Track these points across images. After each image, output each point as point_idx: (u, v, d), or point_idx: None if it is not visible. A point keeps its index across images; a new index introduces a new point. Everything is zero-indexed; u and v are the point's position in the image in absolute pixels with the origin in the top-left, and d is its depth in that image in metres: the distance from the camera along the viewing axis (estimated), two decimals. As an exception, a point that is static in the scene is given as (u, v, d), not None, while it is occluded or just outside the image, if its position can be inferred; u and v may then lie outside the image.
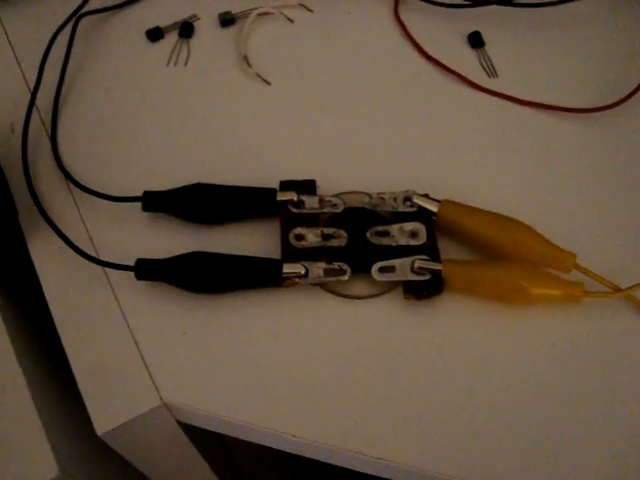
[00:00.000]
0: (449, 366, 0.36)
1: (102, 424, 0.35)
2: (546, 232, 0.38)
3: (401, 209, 0.39)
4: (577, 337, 0.37)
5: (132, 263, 0.37)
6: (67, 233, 0.39)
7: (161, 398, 0.35)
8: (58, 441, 0.35)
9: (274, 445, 0.36)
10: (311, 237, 0.38)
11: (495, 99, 0.46)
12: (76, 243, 0.38)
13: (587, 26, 0.49)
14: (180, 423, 0.38)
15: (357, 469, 0.35)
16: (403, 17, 0.49)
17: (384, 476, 0.35)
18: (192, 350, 0.36)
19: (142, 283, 0.38)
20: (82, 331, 0.37)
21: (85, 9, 0.48)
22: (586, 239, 0.40)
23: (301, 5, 0.49)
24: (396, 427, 0.34)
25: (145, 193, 0.39)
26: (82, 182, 0.41)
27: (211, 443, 0.48)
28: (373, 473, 0.35)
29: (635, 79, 0.46)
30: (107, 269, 0.38)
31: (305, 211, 0.39)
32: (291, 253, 0.38)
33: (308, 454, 0.36)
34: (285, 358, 0.36)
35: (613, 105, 0.45)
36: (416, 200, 0.39)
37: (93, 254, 0.39)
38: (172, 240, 0.39)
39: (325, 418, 0.34)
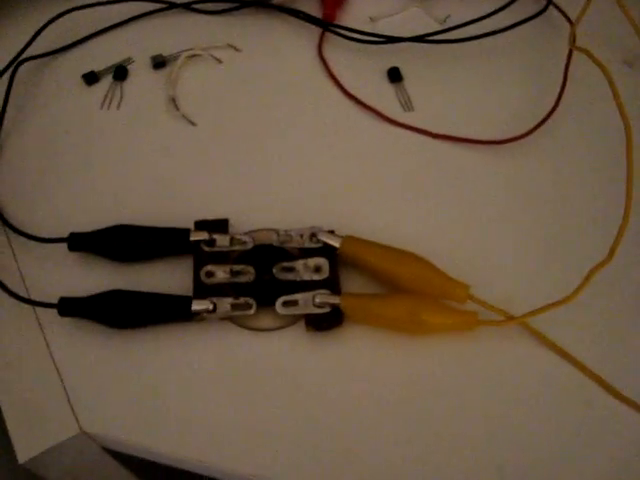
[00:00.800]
0: (350, 394, 0.39)
1: (23, 452, 0.37)
2: (449, 263, 0.40)
3: (307, 245, 0.41)
4: (472, 364, 0.40)
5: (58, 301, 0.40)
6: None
7: (80, 427, 0.38)
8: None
9: (187, 468, 0.39)
10: (220, 274, 0.41)
11: (409, 133, 0.48)
12: (7, 282, 0.41)
13: (500, 60, 0.51)
14: (107, 450, 0.41)
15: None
16: (327, 55, 0.51)
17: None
18: (112, 381, 0.39)
19: (67, 320, 0.41)
20: (10, 366, 0.40)
21: (25, 55, 0.50)
22: (486, 269, 0.42)
23: (229, 45, 0.52)
24: (297, 453, 0.37)
25: (71, 235, 0.42)
26: (16, 223, 0.44)
27: (148, 467, 0.51)
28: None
29: (543, 111, 0.48)
30: (34, 307, 0.41)
31: (216, 249, 0.41)
32: (201, 289, 0.40)
33: (220, 477, 0.39)
34: (195, 388, 0.39)
35: (520, 137, 0.47)
36: (320, 236, 0.41)
37: (24, 292, 0.42)
38: (96, 278, 0.42)
39: (230, 445, 0.37)
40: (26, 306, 0.41)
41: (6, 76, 0.49)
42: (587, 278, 0.40)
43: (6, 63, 0.50)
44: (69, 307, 0.40)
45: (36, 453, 0.38)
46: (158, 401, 0.38)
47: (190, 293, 0.41)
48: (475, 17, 0.52)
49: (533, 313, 0.40)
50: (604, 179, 0.46)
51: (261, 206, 0.44)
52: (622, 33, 0.52)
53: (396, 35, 0.51)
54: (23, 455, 0.38)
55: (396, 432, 0.37)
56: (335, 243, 0.41)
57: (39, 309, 0.41)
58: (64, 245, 0.42)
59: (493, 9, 0.52)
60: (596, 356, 0.40)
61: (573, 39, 0.50)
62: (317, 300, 0.39)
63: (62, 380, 0.39)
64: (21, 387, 0.39)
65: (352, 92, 0.49)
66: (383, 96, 0.50)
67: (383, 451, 0.37)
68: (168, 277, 0.42)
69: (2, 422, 0.39)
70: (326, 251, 0.41)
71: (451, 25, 0.52)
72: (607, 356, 0.40)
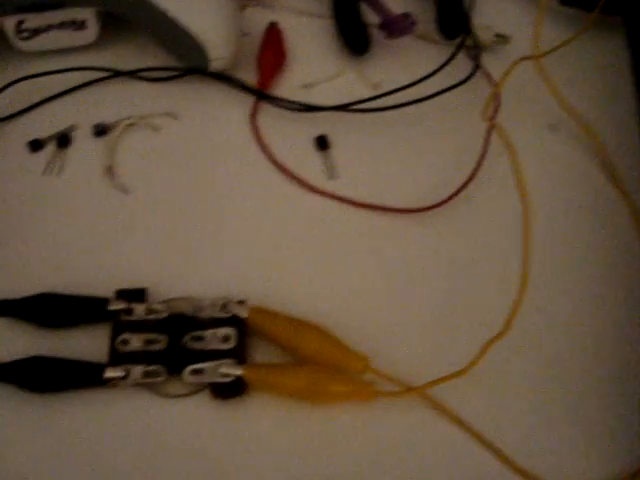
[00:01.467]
0: (255, 461, 0.41)
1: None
2: (355, 334, 0.43)
3: (217, 315, 0.44)
4: (371, 433, 0.42)
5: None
6: None
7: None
8: None
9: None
10: (135, 342, 0.43)
11: (332, 201, 0.50)
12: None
13: (425, 127, 0.54)
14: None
15: None
16: (259, 123, 0.54)
17: None
18: (30, 445, 0.42)
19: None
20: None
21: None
22: (391, 339, 0.45)
23: (167, 114, 0.54)
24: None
25: (-1, 301, 0.45)
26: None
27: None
28: None
29: (462, 181, 0.50)
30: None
31: (134, 318, 0.44)
32: (116, 357, 0.43)
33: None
34: (108, 453, 0.41)
35: (434, 206, 0.49)
36: (230, 307, 0.44)
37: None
38: (20, 343, 0.45)
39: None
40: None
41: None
42: (483, 350, 0.42)
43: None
44: (-8, 372, 0.42)
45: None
46: (76, 465, 0.41)
47: (106, 360, 0.43)
48: (406, 83, 0.53)
49: (430, 384, 0.42)
50: (507, 252, 0.48)
51: (181, 274, 0.47)
52: (545, 98, 0.54)
53: (326, 103, 0.53)
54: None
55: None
56: (243, 313, 0.43)
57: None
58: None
59: (425, 74, 0.54)
60: (492, 427, 0.42)
61: (495, 110, 0.52)
62: (222, 370, 0.42)
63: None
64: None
65: (279, 160, 0.52)
66: (309, 164, 0.52)
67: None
68: (88, 343, 0.44)
69: None
70: (235, 321, 0.43)
71: (381, 92, 0.54)
72: (503, 427, 0.42)
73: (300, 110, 0.53)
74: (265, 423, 0.42)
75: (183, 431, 0.42)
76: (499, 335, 0.42)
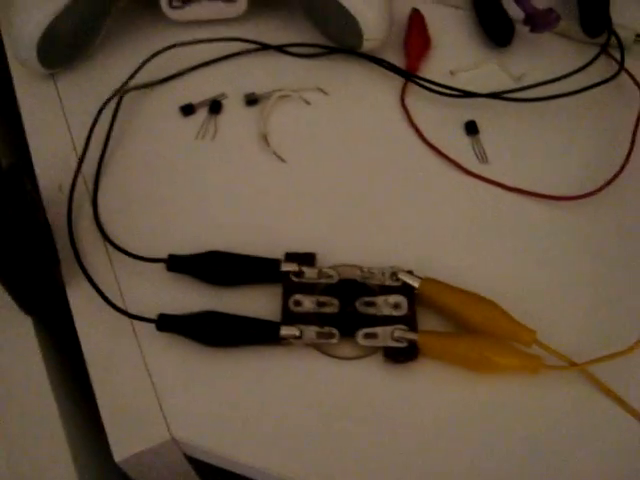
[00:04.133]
0: (420, 423, 0.42)
1: (119, 452, 0.41)
2: (518, 308, 0.44)
3: (387, 283, 0.45)
4: (535, 404, 0.43)
5: (154, 316, 0.44)
6: (101, 286, 0.45)
7: (170, 433, 0.42)
8: (82, 466, 0.42)
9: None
10: (307, 303, 0.44)
11: (484, 184, 0.51)
12: (108, 295, 0.45)
13: (571, 120, 0.55)
14: (189, 458, 0.45)
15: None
16: (408, 104, 0.55)
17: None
18: (201, 394, 0.43)
19: (163, 334, 0.44)
20: (109, 372, 0.44)
21: (131, 84, 0.55)
22: (554, 316, 0.46)
23: (318, 89, 0.56)
24: (373, 476, 0.40)
25: (170, 256, 0.46)
26: (117, 242, 0.48)
27: None
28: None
29: (613, 169, 0.51)
30: (133, 320, 0.45)
31: (304, 280, 0.45)
32: (289, 317, 0.44)
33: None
34: (279, 406, 0.42)
35: (588, 194, 0.50)
36: (401, 276, 0.45)
37: (122, 306, 0.46)
38: (190, 298, 0.46)
39: (311, 462, 0.41)
40: (125, 318, 0.45)
41: (113, 102, 0.53)
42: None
43: (113, 91, 0.54)
44: (167, 323, 0.44)
45: (130, 454, 0.41)
46: (243, 415, 0.42)
47: (277, 319, 0.44)
48: (549, 77, 0.55)
49: (595, 361, 0.43)
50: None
51: (345, 243, 0.48)
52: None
53: (473, 90, 0.55)
54: (118, 454, 0.41)
55: (460, 461, 0.41)
56: (414, 283, 0.45)
57: (136, 323, 0.45)
58: (162, 265, 0.46)
59: (567, 71, 0.55)
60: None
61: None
62: (396, 334, 0.43)
63: (155, 389, 0.43)
64: (118, 391, 0.43)
65: (431, 141, 0.53)
66: (460, 147, 0.53)
67: (446, 477, 0.40)
68: (257, 303, 0.45)
69: (100, 423, 0.42)
70: (405, 290, 0.45)
71: (526, 84, 0.55)
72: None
73: (452, 95, 0.55)
74: (433, 388, 0.43)
75: (354, 392, 0.43)
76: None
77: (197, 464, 0.46)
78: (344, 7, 0.54)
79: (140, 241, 0.48)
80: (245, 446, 0.41)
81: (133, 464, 0.42)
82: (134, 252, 0.47)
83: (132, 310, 0.45)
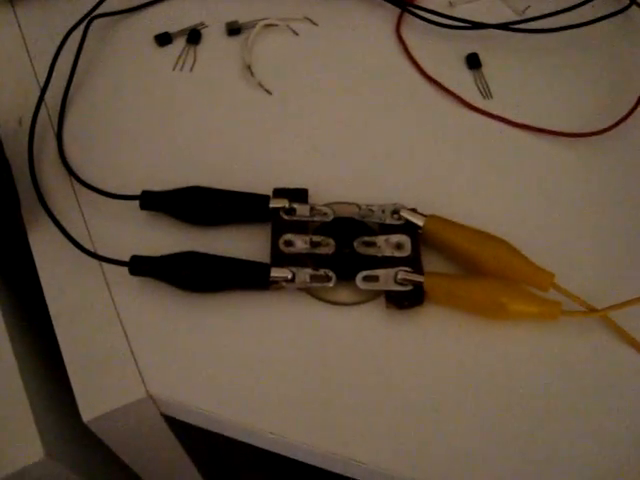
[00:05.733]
0: (426, 374, 0.37)
1: (88, 411, 0.36)
2: (529, 251, 0.39)
3: (388, 221, 0.40)
4: (552, 353, 0.39)
5: (127, 259, 0.39)
6: (67, 227, 0.40)
7: (147, 390, 0.37)
8: (45, 425, 0.36)
9: (252, 442, 0.38)
10: (300, 243, 0.39)
11: (488, 120, 0.47)
12: (75, 237, 0.40)
13: (579, 54, 0.51)
14: (165, 417, 0.40)
15: (332, 469, 0.37)
16: (404, 35, 0.50)
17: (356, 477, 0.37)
18: (180, 346, 0.38)
19: (136, 279, 0.39)
20: (75, 322, 0.39)
21: (98, 11, 0.49)
22: (568, 260, 0.41)
23: (307, 19, 0.51)
24: (370, 430, 0.36)
25: (143, 192, 0.41)
26: (84, 178, 0.43)
27: (199, 443, 0.50)
28: (348, 474, 0.37)
29: (626, 106, 0.47)
30: (103, 263, 0.40)
31: (296, 218, 0.40)
32: (280, 258, 0.39)
33: (286, 453, 0.37)
34: (268, 358, 0.38)
35: (602, 131, 0.46)
36: (403, 213, 0.40)
37: (91, 248, 0.40)
38: (167, 239, 0.41)
39: (304, 418, 0.36)
40: (93, 262, 0.40)
41: (79, 30, 0.48)
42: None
43: (79, 18, 0.48)
44: (141, 266, 0.39)
45: (101, 413, 0.37)
46: (228, 369, 0.37)
47: (266, 261, 0.39)
48: (555, 10, 0.50)
49: (615, 307, 0.39)
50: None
51: (340, 179, 0.43)
52: None
53: (472, 19, 0.50)
54: (87, 413, 0.36)
55: (472, 416, 0.36)
56: (419, 221, 0.40)
57: (107, 266, 0.40)
58: (135, 204, 0.41)
59: (575, 2, 0.51)
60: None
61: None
62: (399, 277, 0.38)
63: (128, 341, 0.38)
64: (86, 344, 0.38)
65: (431, 75, 0.48)
66: (461, 81, 0.49)
67: (456, 432, 0.36)
68: (243, 243, 0.41)
69: (62, 377, 0.37)
70: (408, 229, 0.40)
71: (530, 16, 0.51)
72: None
73: (453, 27, 0.50)
74: (442, 337, 0.39)
75: (353, 340, 0.38)
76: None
77: (174, 424, 0.41)
78: None
79: (111, 178, 0.44)
80: (230, 402, 0.37)
81: (103, 425, 0.37)
82: (104, 189, 0.41)
83: (102, 253, 0.40)
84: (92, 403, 0.36)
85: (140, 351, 0.38)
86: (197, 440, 0.48)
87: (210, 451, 0.59)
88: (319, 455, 0.36)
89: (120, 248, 0.41)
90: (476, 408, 0.37)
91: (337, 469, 0.36)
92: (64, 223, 0.41)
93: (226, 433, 0.38)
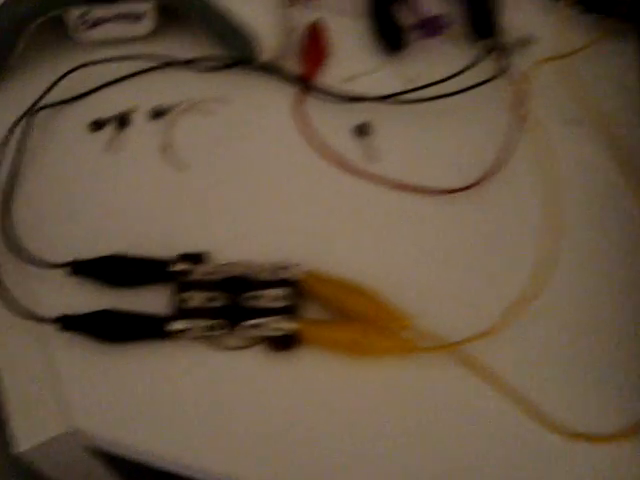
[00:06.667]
0: (304, 408, 0.45)
1: (18, 444, 0.44)
2: (394, 296, 0.48)
3: (273, 277, 0.48)
4: (410, 387, 0.46)
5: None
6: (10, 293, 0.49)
7: (71, 423, 0.45)
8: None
9: (165, 466, 0.46)
10: (197, 299, 0.48)
11: (371, 183, 0.55)
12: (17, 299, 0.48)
13: (458, 118, 0.58)
14: (92, 451, 0.48)
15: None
16: (303, 111, 0.59)
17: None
18: (101, 387, 0.46)
19: (66, 334, 0.48)
20: (15, 369, 0.47)
21: (42, 103, 0.58)
22: (430, 303, 0.49)
23: (220, 100, 0.59)
24: (254, 453, 0.44)
25: (73, 261, 0.50)
26: (26, 253, 0.51)
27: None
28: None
29: (491, 161, 0.55)
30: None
31: (195, 278, 0.48)
32: (180, 312, 0.47)
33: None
34: (171, 397, 0.46)
35: (466, 188, 0.54)
36: (285, 270, 0.48)
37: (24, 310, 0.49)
38: (92, 299, 0.49)
39: (201, 448, 0.44)
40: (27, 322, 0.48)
41: (24, 121, 0.57)
42: (510, 313, 0.47)
43: (25, 110, 0.57)
44: (68, 323, 0.47)
45: (29, 446, 0.44)
46: (139, 406, 0.45)
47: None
48: (439, 79, 0.58)
49: (462, 343, 0.46)
50: (533, 229, 0.53)
51: (237, 242, 0.51)
52: (568, 96, 0.59)
53: (366, 94, 0.58)
54: (17, 446, 0.44)
55: (346, 444, 0.44)
56: (297, 275, 0.48)
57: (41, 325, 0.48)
58: (65, 271, 0.49)
59: (456, 71, 0.59)
60: (521, 382, 0.46)
61: (524, 104, 0.57)
62: (277, 324, 0.46)
63: (56, 383, 0.46)
64: (21, 386, 0.46)
65: (322, 145, 0.56)
66: (350, 149, 0.56)
67: (329, 459, 0.44)
68: (153, 301, 0.49)
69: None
70: (289, 282, 0.48)
71: (417, 85, 0.59)
72: (529, 381, 0.47)
73: (343, 101, 0.58)
74: (315, 374, 0.46)
75: (240, 381, 0.46)
76: (526, 299, 0.47)
77: (104, 459, 0.49)
78: (239, 21, 0.57)
79: (54, 248, 0.51)
80: (141, 434, 0.44)
81: (35, 456, 0.45)
82: (50, 260, 0.50)
83: (41, 312, 0.48)
84: (22, 437, 0.44)
85: (68, 391, 0.46)
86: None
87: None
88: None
89: (53, 308, 0.49)
90: (349, 436, 0.45)
91: None
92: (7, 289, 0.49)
93: (143, 461, 0.46)
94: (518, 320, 0.48)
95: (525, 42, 0.63)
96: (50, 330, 0.47)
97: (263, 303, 0.47)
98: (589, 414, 0.45)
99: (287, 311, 0.47)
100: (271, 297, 0.47)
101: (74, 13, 0.60)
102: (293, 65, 0.62)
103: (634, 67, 0.62)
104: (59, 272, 0.50)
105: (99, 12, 0.60)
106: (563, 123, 0.59)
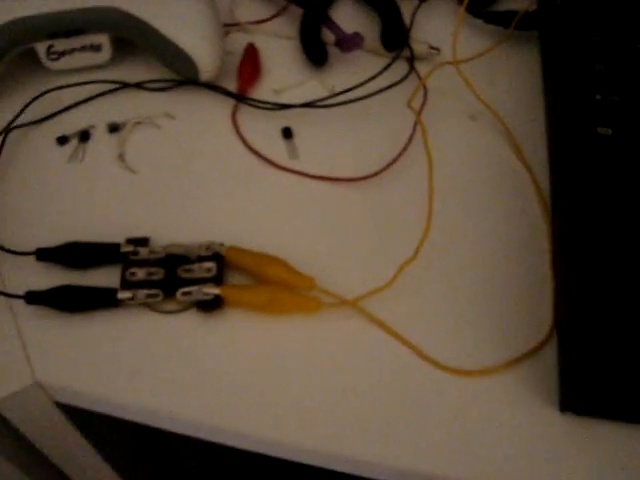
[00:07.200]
0: (231, 361, 0.54)
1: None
2: (303, 265, 0.58)
3: (203, 253, 0.58)
4: (319, 340, 0.55)
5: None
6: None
7: (34, 377, 0.54)
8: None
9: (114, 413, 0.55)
10: (140, 274, 0.58)
11: (293, 175, 0.65)
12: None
13: (367, 120, 0.68)
14: (59, 404, 0.58)
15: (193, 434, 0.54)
16: (238, 120, 0.69)
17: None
18: (63, 347, 0.55)
19: (32, 307, 0.58)
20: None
21: (15, 123, 0.69)
22: (333, 267, 0.59)
23: (166, 114, 0.70)
24: (190, 403, 0.53)
25: (37, 249, 0.60)
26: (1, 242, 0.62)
27: (107, 434, 0.67)
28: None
29: (393, 154, 0.65)
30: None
31: (139, 257, 0.59)
32: (126, 284, 0.57)
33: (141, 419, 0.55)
34: (123, 354, 0.55)
35: (366, 177, 0.64)
36: (213, 247, 0.58)
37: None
38: (55, 280, 0.59)
39: (150, 395, 0.53)
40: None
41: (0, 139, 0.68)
42: (399, 270, 0.57)
43: (1, 129, 0.68)
44: (32, 297, 0.57)
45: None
46: (97, 362, 0.54)
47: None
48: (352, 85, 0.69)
49: (360, 298, 0.56)
50: (421, 209, 0.63)
51: (176, 228, 0.61)
52: (464, 95, 0.69)
53: (290, 102, 0.69)
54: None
55: (261, 388, 0.53)
56: (222, 251, 0.58)
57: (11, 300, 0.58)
58: (29, 257, 0.60)
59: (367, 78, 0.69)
60: (409, 329, 0.56)
61: (421, 103, 0.67)
62: (204, 290, 0.56)
63: (25, 345, 0.56)
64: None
65: (253, 147, 0.67)
66: (276, 150, 0.67)
67: (250, 398, 0.53)
68: (108, 278, 0.59)
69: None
70: (216, 257, 0.58)
71: (334, 93, 0.69)
72: (419, 328, 0.56)
73: (273, 108, 0.69)
74: (239, 330, 0.56)
75: (176, 340, 0.55)
76: (410, 259, 0.57)
77: (66, 412, 0.59)
78: (181, 48, 0.68)
79: (17, 241, 0.62)
80: (96, 386, 0.53)
81: (3, 408, 0.54)
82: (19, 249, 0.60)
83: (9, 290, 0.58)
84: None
85: (31, 350, 0.56)
86: (103, 430, 0.66)
87: (118, 440, 0.77)
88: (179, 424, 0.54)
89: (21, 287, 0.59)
90: (268, 386, 0.54)
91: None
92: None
93: (105, 412, 0.56)
94: (404, 279, 0.57)
95: (431, 50, 0.73)
96: (19, 304, 0.57)
97: (195, 274, 0.57)
98: (467, 354, 0.55)
99: (214, 279, 0.57)
100: (202, 269, 0.57)
101: (42, 46, 0.70)
102: (231, 82, 0.72)
103: (531, 69, 0.72)
104: (28, 259, 0.60)
105: (62, 45, 0.70)
106: (460, 118, 0.68)
